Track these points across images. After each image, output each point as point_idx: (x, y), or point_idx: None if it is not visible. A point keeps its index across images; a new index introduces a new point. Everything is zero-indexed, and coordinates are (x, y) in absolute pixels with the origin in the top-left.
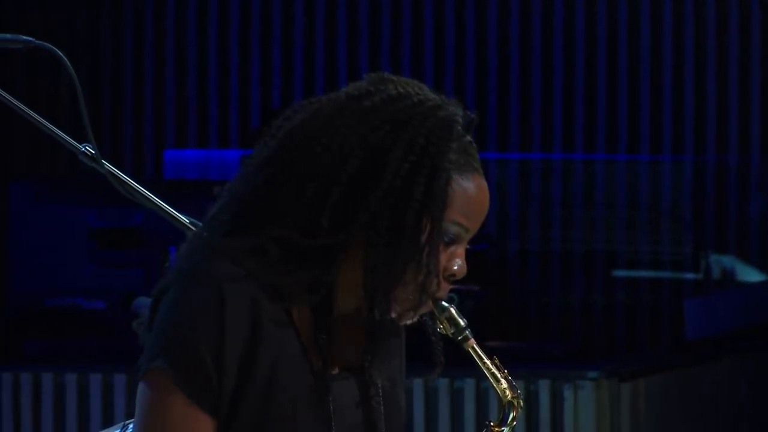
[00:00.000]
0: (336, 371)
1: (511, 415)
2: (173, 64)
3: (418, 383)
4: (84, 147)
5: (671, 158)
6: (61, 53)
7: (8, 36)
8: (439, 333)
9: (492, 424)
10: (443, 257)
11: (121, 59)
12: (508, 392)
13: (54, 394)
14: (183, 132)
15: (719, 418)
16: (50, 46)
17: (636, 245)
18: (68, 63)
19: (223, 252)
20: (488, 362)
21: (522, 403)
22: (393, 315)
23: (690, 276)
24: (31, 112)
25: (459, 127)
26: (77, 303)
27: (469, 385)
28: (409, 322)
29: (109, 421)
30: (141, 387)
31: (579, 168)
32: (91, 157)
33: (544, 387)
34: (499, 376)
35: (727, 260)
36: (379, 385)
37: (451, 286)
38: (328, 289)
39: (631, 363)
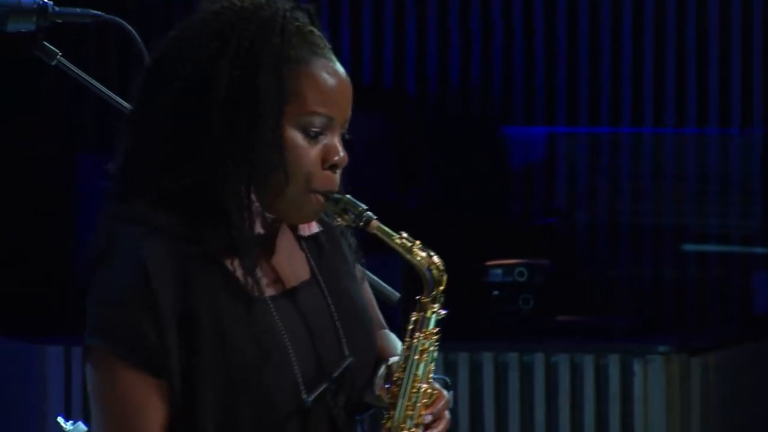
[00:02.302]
0: (274, 292)
1: (436, 282)
2: None
3: (488, 357)
4: None
5: (740, 131)
6: (130, 27)
7: (78, 10)
8: (346, 226)
9: (420, 297)
10: (316, 151)
11: None
12: (423, 260)
13: None
14: None
15: None
16: (119, 20)
17: (705, 219)
18: (138, 37)
19: (127, 218)
20: (396, 237)
21: (442, 267)
22: (291, 221)
23: (759, 250)
24: (101, 86)
25: (293, 22)
26: None
27: (538, 360)
28: (310, 221)
29: None
30: (87, 368)
31: (648, 141)
32: None
33: (613, 361)
34: (411, 247)
35: None
36: (325, 293)
37: (337, 175)
38: (228, 216)
39: (700, 337)
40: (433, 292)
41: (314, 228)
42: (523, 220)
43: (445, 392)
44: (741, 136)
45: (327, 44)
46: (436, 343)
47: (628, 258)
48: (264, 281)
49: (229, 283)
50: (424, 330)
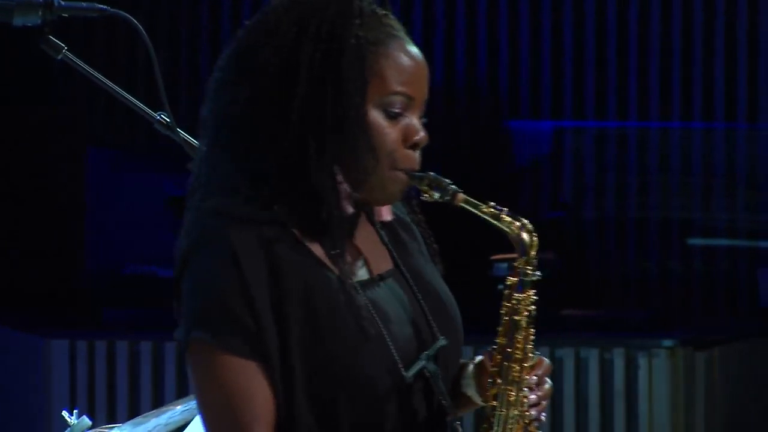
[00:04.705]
0: (362, 277)
1: (528, 246)
2: None
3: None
4: (159, 115)
5: (747, 126)
6: (137, 22)
7: (84, 4)
8: (421, 214)
9: (516, 263)
10: (397, 130)
11: (197, 27)
12: (513, 225)
13: (129, 362)
14: None
15: None
16: (125, 14)
17: (712, 213)
18: (144, 31)
19: (211, 211)
20: (484, 207)
21: (533, 231)
22: (377, 201)
23: (765, 244)
24: (108, 81)
25: (366, 4)
26: (154, 271)
27: (543, 353)
28: (389, 203)
29: (183, 390)
30: (189, 360)
31: (655, 136)
32: (166, 125)
33: (618, 355)
34: (499, 214)
35: None
36: (410, 282)
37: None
38: (316, 197)
39: (706, 331)
40: (526, 256)
41: (389, 215)
42: (530, 214)
43: (545, 359)
44: (747, 130)
45: (401, 27)
46: (533, 306)
47: (634, 252)
48: (351, 266)
49: (317, 267)
50: (521, 293)
